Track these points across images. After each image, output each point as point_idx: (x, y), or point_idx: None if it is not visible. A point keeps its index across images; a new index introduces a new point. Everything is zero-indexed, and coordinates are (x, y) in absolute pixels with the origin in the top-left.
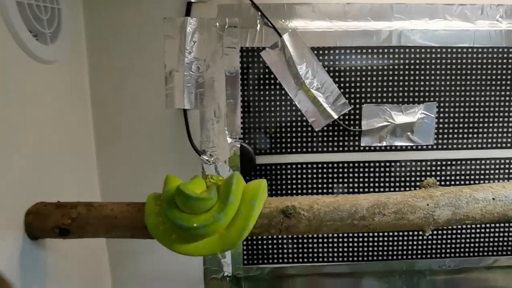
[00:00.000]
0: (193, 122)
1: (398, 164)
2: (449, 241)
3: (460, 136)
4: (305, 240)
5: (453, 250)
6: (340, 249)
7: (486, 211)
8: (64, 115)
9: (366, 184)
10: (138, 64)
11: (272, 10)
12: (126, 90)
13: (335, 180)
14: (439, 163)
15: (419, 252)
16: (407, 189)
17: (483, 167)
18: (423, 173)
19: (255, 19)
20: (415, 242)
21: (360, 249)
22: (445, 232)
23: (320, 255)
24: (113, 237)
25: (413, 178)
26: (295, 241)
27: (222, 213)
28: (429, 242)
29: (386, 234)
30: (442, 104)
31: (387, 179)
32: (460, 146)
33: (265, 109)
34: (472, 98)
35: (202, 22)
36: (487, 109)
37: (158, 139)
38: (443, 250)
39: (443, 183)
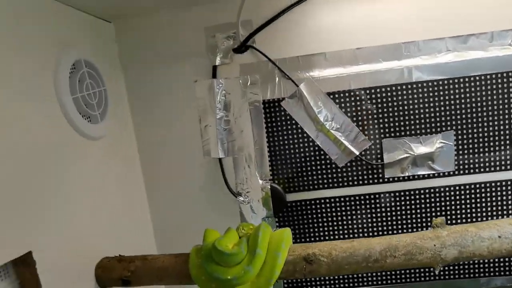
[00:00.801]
0: (227, 169)
1: (422, 191)
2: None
3: (481, 160)
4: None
5: (490, 269)
6: (379, 273)
7: (492, 249)
8: (119, 180)
9: (394, 213)
10: (177, 126)
11: (288, 63)
12: (170, 150)
13: (363, 211)
14: (462, 187)
15: (456, 272)
16: (434, 214)
17: (504, 188)
18: (447, 198)
19: (273, 73)
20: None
21: (398, 271)
22: None
23: (360, 279)
24: (165, 284)
25: (438, 204)
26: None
27: (251, 265)
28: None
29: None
30: (459, 132)
31: (412, 207)
32: (480, 170)
33: (291, 151)
34: (491, 123)
35: (228, 82)
36: (503, 131)
37: (200, 187)
38: (480, 270)
39: (467, 205)
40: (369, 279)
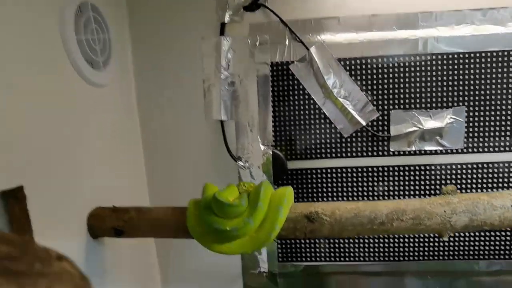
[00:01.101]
0: (229, 131)
1: (427, 167)
2: (487, 242)
3: (491, 139)
4: (340, 239)
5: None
6: (375, 249)
7: (504, 218)
8: (116, 131)
9: (396, 188)
10: (180, 82)
11: (300, 25)
12: (170, 106)
13: (364, 184)
14: (469, 166)
15: (456, 253)
16: (437, 192)
17: None
18: (453, 176)
19: (284, 35)
20: (451, 243)
21: (396, 248)
22: (482, 233)
23: (356, 254)
24: (159, 237)
25: (443, 182)
26: (330, 240)
27: (251, 218)
28: (466, 243)
29: (422, 234)
30: (471, 108)
31: (416, 183)
32: (490, 149)
33: (295, 118)
34: (504, 101)
35: (235, 40)
36: None
37: (199, 148)
38: (479, 252)
39: (473, 185)
40: (366, 254)
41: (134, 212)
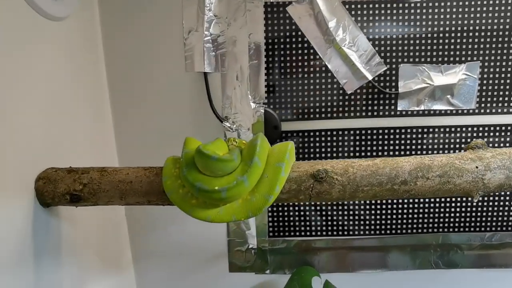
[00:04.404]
0: (214, 86)
1: (436, 130)
2: (489, 213)
3: (506, 99)
4: (333, 212)
5: (494, 224)
6: (370, 222)
7: None
8: (77, 75)
9: (402, 152)
10: (156, 21)
11: None
12: (143, 49)
13: (368, 148)
14: (481, 128)
15: (456, 225)
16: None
17: None
18: (464, 140)
19: None
20: (452, 214)
21: (390, 221)
22: (485, 203)
23: (350, 227)
24: (128, 204)
25: (452, 146)
26: (323, 213)
27: (245, 176)
28: (467, 214)
29: (417, 205)
30: (486, 64)
31: (424, 147)
32: (504, 110)
33: (292, 71)
34: None
35: None
36: None
37: (178, 104)
38: (483, 224)
39: None
40: (362, 228)
41: (95, 172)
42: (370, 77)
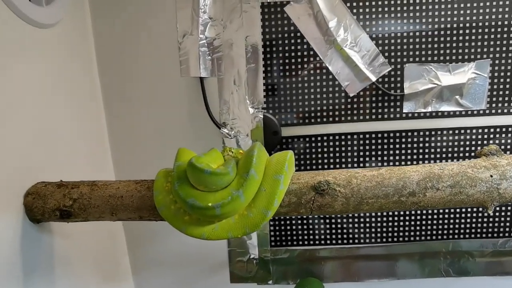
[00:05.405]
0: (211, 91)
1: (445, 132)
2: (502, 218)
3: None
4: (338, 220)
5: (507, 229)
6: (376, 229)
7: None
8: (69, 83)
9: (409, 157)
10: (150, 25)
11: None
12: (137, 55)
13: (373, 153)
14: (492, 130)
15: (466, 231)
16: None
17: None
18: (474, 143)
19: None
20: (462, 220)
21: (398, 229)
22: (497, 208)
23: (356, 236)
24: (120, 219)
25: (462, 149)
26: (327, 221)
27: (241, 190)
28: (479, 219)
29: (425, 211)
30: (496, 62)
31: (432, 151)
32: None
33: (291, 73)
34: None
35: None
36: None
37: (174, 111)
38: (495, 229)
39: None
40: (367, 236)
41: (85, 187)
42: (373, 79)
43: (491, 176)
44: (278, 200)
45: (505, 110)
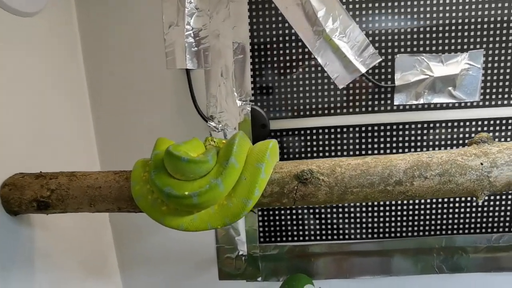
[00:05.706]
0: (198, 84)
1: (437, 125)
2: (496, 213)
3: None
4: (328, 215)
5: (501, 224)
6: (368, 225)
7: None
8: (53, 73)
9: (401, 151)
10: (135, 15)
11: None
12: (123, 46)
13: (363, 147)
14: (486, 122)
15: (460, 226)
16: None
17: None
18: (467, 135)
19: None
20: (456, 215)
21: (390, 224)
22: (491, 203)
23: (346, 231)
24: (99, 211)
25: (455, 142)
26: (317, 216)
27: (220, 178)
28: (472, 214)
29: (418, 206)
30: (490, 52)
31: (424, 144)
32: (511, 102)
33: (280, 65)
34: None
35: None
36: None
37: (160, 104)
38: (489, 224)
39: None
40: (358, 231)
41: (64, 177)
42: (363, 70)
43: (482, 164)
44: (259, 189)
45: (499, 102)
